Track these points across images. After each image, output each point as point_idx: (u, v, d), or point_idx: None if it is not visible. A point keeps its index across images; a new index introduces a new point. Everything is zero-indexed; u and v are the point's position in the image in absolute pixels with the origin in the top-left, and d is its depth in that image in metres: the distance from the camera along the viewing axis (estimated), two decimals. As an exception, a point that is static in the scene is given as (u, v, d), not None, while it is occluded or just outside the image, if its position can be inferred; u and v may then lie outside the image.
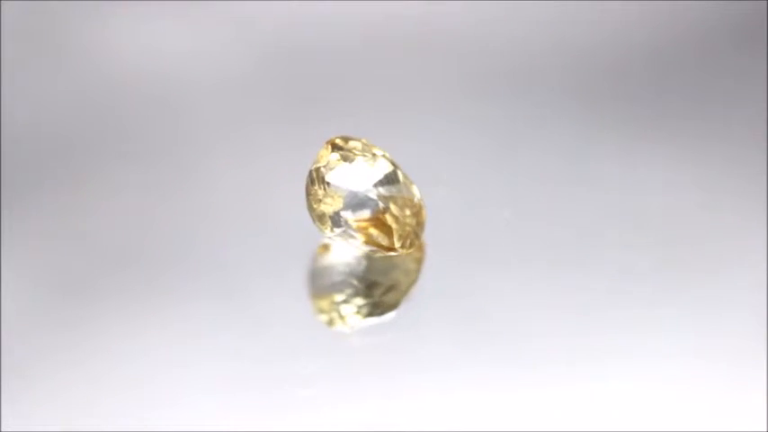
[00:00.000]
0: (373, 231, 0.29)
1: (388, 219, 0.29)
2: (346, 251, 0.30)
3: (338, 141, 0.29)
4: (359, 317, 0.29)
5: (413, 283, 0.30)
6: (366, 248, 0.29)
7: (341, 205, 0.29)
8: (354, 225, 0.29)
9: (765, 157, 0.33)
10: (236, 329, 0.29)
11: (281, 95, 0.36)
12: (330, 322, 0.29)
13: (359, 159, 0.29)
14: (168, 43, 0.38)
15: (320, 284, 0.30)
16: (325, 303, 0.30)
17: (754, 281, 0.30)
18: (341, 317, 0.29)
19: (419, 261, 0.31)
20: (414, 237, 0.29)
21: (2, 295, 0.30)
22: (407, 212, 0.29)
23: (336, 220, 0.29)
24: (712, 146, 0.34)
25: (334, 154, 0.29)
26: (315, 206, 0.29)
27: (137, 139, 0.35)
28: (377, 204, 0.29)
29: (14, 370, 0.29)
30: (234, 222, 0.32)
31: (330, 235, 0.29)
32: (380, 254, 0.29)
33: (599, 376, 0.28)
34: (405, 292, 0.30)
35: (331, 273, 0.30)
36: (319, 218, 0.29)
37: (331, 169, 0.29)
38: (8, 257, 0.31)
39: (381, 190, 0.29)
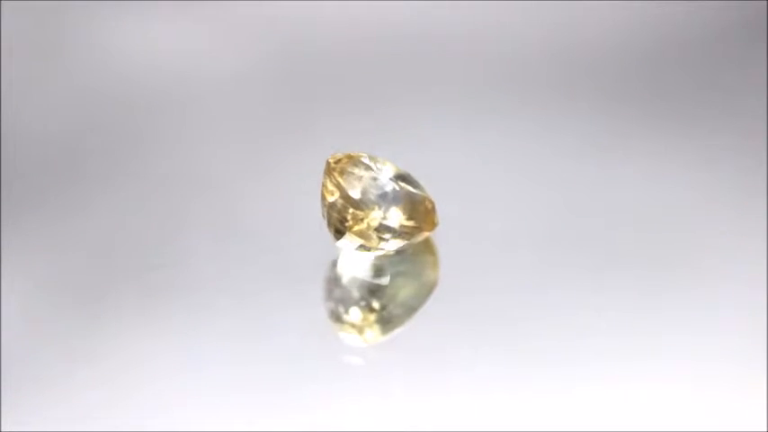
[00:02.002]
0: (412, 221, 0.30)
1: (427, 201, 0.30)
2: (359, 264, 0.31)
3: (334, 165, 0.29)
4: (383, 327, 0.30)
5: (431, 287, 0.31)
6: (412, 240, 0.30)
7: (383, 210, 0.29)
8: (402, 219, 0.29)
9: (766, 157, 0.33)
10: (247, 334, 0.29)
11: (287, 96, 0.36)
12: (354, 336, 0.30)
13: (366, 166, 0.29)
14: (172, 44, 0.38)
15: (340, 301, 0.30)
16: (347, 318, 0.30)
17: (754, 281, 0.30)
18: (364, 329, 0.30)
19: (435, 265, 0.31)
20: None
21: (7, 299, 0.30)
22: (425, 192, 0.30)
23: (385, 228, 0.29)
24: (713, 146, 0.34)
25: (345, 174, 0.29)
26: (359, 227, 0.29)
27: (143, 142, 0.35)
28: (408, 192, 0.29)
29: (19, 374, 0.29)
30: (243, 224, 0.32)
31: (381, 246, 0.30)
32: (422, 237, 0.30)
33: (600, 376, 0.29)
34: (422, 297, 0.30)
35: (348, 288, 0.31)
36: (365, 236, 0.29)
37: (353, 188, 0.29)
38: (13, 260, 0.31)
39: (400, 181, 0.30)
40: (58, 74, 0.37)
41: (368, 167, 0.29)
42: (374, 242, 0.30)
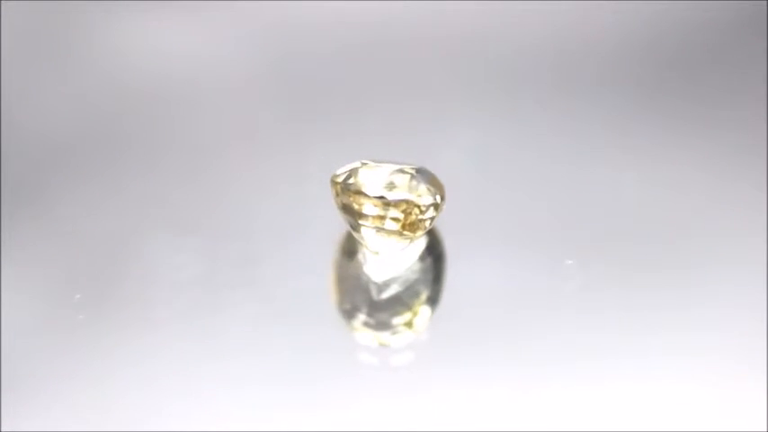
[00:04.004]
0: (438, 191, 0.30)
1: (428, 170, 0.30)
2: (384, 263, 0.31)
3: (352, 182, 0.30)
4: (430, 311, 0.30)
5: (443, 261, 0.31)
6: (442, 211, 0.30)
7: (422, 193, 0.29)
8: (435, 192, 0.30)
9: (766, 156, 0.33)
10: (253, 330, 0.30)
11: (290, 95, 0.36)
12: (406, 332, 0.30)
13: (377, 166, 0.30)
14: (174, 45, 0.38)
15: (381, 306, 0.30)
16: (398, 319, 0.30)
17: (754, 281, 0.30)
18: (413, 322, 0.30)
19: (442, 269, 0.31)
20: None
21: (6, 298, 0.30)
22: None
23: (430, 206, 0.29)
24: (713, 145, 0.34)
25: (370, 183, 0.29)
26: (411, 219, 0.29)
27: (146, 141, 0.35)
28: (417, 168, 0.30)
29: (21, 372, 0.29)
30: (245, 223, 0.32)
31: (427, 227, 0.30)
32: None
33: (599, 376, 0.29)
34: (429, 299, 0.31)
35: (387, 288, 0.31)
36: (418, 226, 0.30)
37: (391, 189, 0.29)
38: (13, 260, 0.31)
39: (402, 164, 0.30)
40: (58, 74, 0.37)
41: (378, 166, 0.30)
42: (422, 228, 0.30)
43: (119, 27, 0.38)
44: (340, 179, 0.30)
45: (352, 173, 0.30)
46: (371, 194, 0.29)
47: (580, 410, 0.28)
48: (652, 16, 0.38)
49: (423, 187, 0.29)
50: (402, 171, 0.30)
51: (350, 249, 0.31)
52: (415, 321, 0.30)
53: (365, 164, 0.30)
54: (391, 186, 0.29)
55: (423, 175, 0.30)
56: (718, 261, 0.31)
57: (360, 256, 0.31)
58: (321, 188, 0.31)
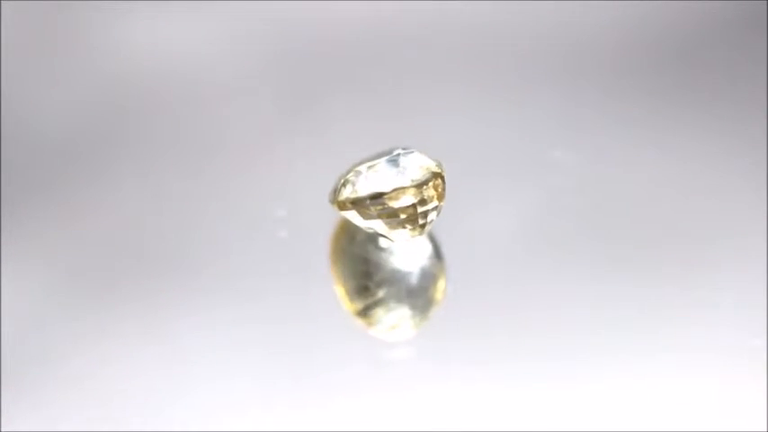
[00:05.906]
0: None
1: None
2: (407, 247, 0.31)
3: (360, 197, 0.29)
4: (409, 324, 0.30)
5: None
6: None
7: (433, 159, 0.29)
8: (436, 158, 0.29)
9: (766, 155, 0.33)
10: (252, 327, 0.30)
11: (290, 93, 0.36)
12: (380, 331, 0.30)
13: (374, 164, 0.29)
14: (174, 43, 0.38)
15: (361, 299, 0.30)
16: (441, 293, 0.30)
17: (754, 281, 0.30)
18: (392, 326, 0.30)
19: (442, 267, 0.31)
20: None
21: (6, 298, 0.30)
22: None
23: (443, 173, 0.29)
24: (713, 144, 0.34)
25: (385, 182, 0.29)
26: (439, 191, 0.29)
27: (147, 139, 0.35)
28: (408, 147, 0.29)
29: (20, 371, 0.29)
30: (246, 221, 0.32)
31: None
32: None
33: (598, 374, 0.29)
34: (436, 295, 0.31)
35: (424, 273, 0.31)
36: (443, 194, 0.29)
37: (412, 171, 0.29)
38: (15, 258, 0.31)
39: (394, 150, 0.29)
40: (58, 73, 0.37)
41: (374, 163, 0.29)
42: (445, 194, 0.29)
43: (118, 25, 0.38)
44: (356, 194, 0.28)
45: (362, 181, 0.28)
46: (404, 185, 0.28)
47: (579, 409, 0.28)
48: (653, 15, 0.38)
49: (428, 157, 0.28)
50: (400, 154, 0.28)
51: (355, 247, 0.31)
52: (443, 298, 0.30)
53: (357, 169, 0.29)
54: (410, 169, 0.28)
55: (416, 149, 0.29)
56: (719, 260, 0.31)
57: (371, 250, 0.30)
58: (320, 185, 0.31)
